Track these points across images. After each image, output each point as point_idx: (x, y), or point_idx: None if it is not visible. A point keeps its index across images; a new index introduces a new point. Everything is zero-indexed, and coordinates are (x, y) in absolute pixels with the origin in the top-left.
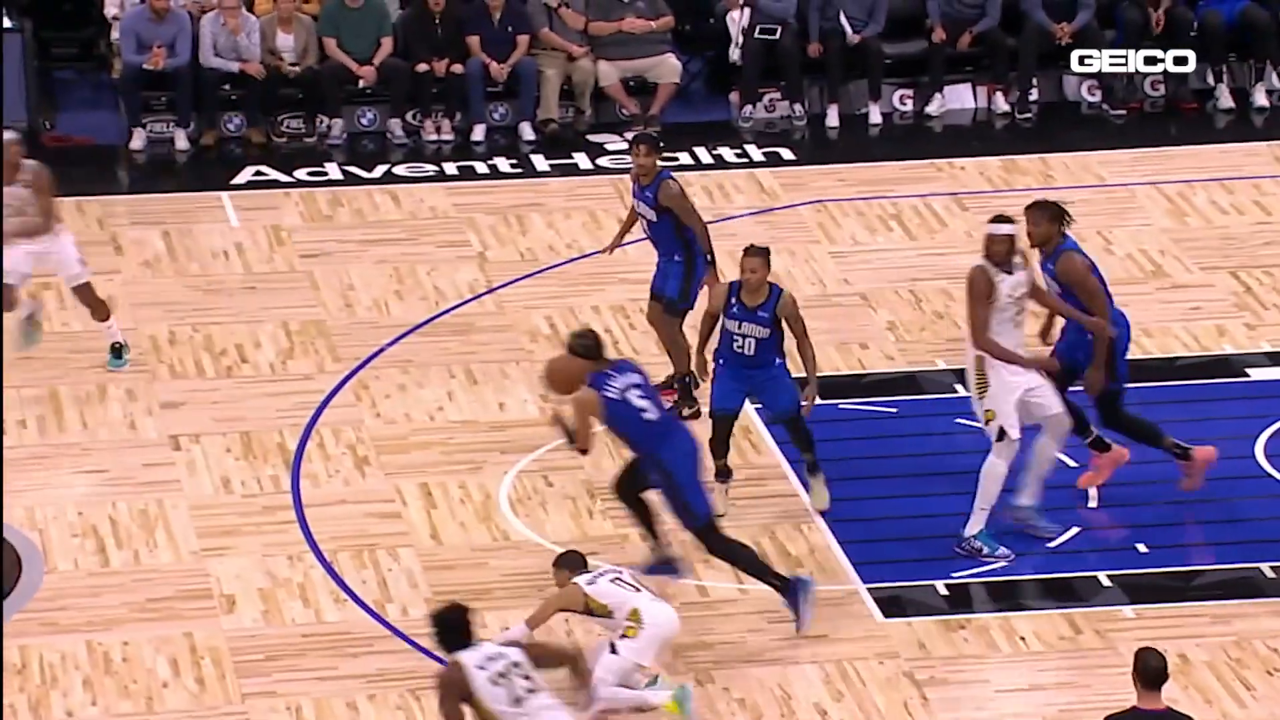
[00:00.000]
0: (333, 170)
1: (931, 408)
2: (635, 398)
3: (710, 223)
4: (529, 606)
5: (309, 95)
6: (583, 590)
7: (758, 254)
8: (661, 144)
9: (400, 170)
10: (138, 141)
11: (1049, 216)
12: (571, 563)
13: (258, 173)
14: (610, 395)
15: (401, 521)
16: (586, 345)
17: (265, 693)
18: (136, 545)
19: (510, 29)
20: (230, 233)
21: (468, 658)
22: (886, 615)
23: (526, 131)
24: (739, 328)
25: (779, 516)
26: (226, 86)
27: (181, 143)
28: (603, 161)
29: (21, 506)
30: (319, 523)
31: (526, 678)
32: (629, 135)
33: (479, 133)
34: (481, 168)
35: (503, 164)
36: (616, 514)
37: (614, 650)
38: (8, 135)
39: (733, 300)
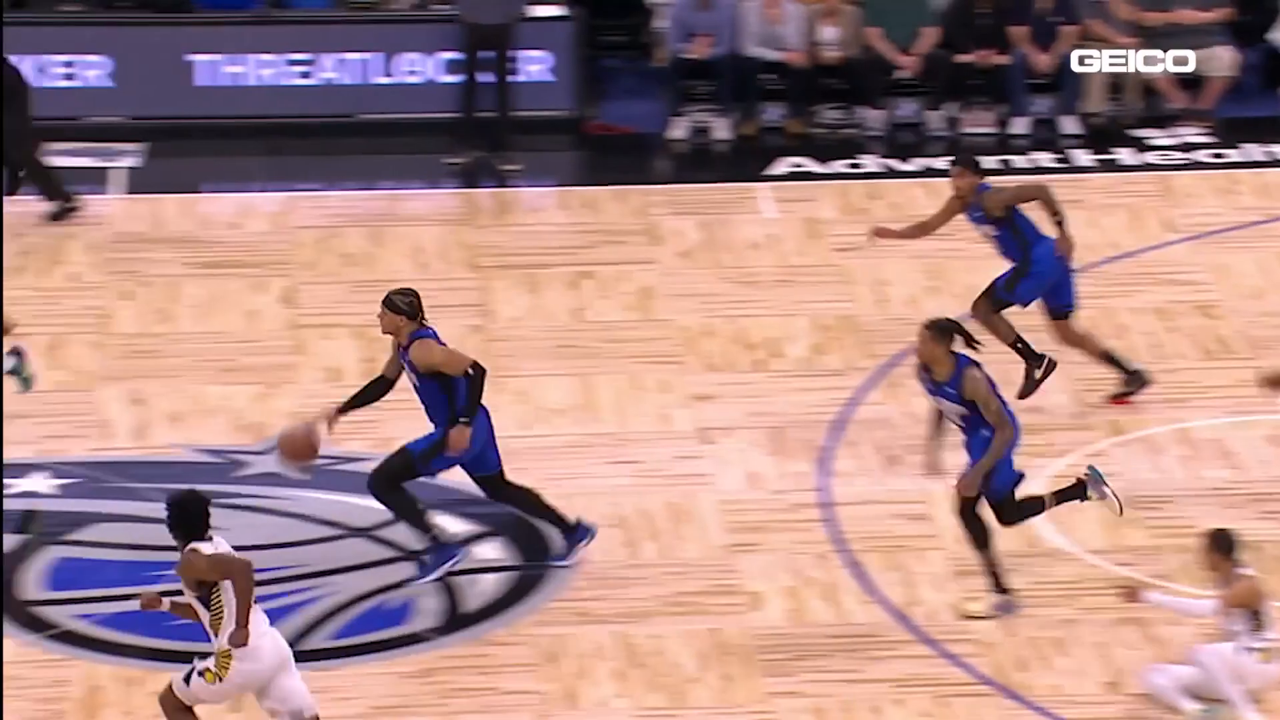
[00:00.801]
0: (869, 163)
1: None
2: None
3: (1259, 223)
4: (1056, 616)
5: (850, 86)
6: (1261, 594)
7: (929, 326)
8: (979, 162)
9: (938, 164)
10: (679, 130)
11: None
12: (1227, 545)
13: (795, 164)
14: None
15: (930, 523)
16: (411, 303)
17: (791, 693)
18: (666, 538)
19: (1056, 20)
20: (765, 224)
21: (206, 548)
22: None
23: (1068, 125)
24: (936, 402)
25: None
26: (773, 75)
27: (721, 132)
28: (1149, 157)
29: (558, 495)
30: (848, 522)
31: None
32: (1178, 129)
33: (1020, 125)
34: (1021, 162)
35: (1043, 158)
36: (1152, 524)
37: (1239, 655)
38: None
39: (923, 371)
